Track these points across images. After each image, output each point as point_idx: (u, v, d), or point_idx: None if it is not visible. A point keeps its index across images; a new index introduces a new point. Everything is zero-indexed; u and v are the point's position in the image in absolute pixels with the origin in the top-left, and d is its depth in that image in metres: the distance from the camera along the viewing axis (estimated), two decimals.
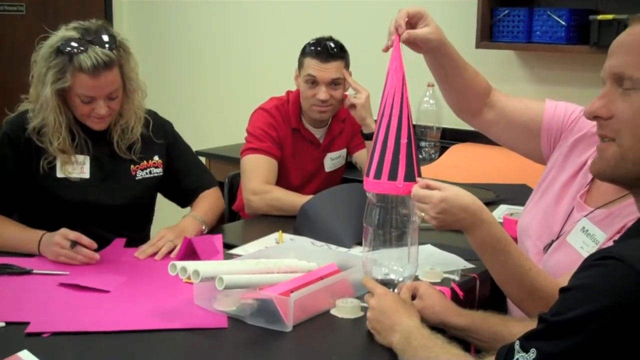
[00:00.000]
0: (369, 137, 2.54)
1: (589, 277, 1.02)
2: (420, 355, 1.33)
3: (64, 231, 1.93)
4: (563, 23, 2.82)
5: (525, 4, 2.96)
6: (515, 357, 1.05)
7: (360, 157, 2.76)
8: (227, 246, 2.04)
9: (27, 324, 1.53)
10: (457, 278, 1.82)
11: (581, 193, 1.65)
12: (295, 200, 2.37)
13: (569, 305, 1.01)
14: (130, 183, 2.15)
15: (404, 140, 1.54)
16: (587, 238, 1.56)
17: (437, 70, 1.81)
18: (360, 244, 1.82)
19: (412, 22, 1.68)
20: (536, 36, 2.91)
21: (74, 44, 1.94)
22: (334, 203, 2.19)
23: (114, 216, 2.13)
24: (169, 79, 4.31)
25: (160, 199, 2.34)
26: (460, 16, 3.12)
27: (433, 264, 1.87)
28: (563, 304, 1.03)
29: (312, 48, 2.57)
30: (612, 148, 1.15)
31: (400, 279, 1.62)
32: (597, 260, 1.03)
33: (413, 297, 1.57)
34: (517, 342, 1.07)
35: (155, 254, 1.99)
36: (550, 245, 1.66)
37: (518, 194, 2.49)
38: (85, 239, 1.92)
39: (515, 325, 1.44)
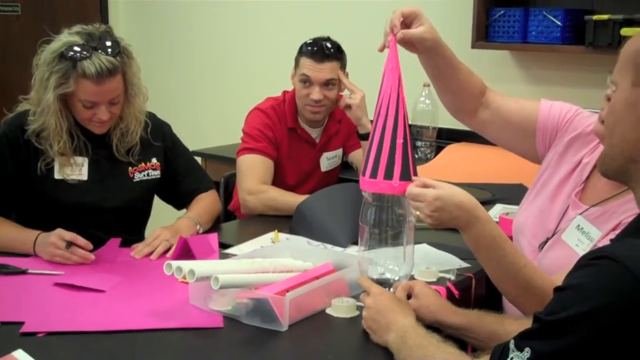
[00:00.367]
0: (364, 137, 2.54)
1: (583, 276, 1.03)
2: (415, 354, 1.33)
3: (60, 231, 1.92)
4: (558, 23, 2.82)
5: (521, 4, 2.96)
6: (510, 356, 1.06)
7: (356, 156, 2.76)
8: (223, 246, 2.04)
9: (22, 323, 1.53)
10: (452, 277, 1.82)
11: (576, 191, 1.65)
12: (291, 200, 2.37)
13: (563, 305, 1.02)
14: (128, 185, 2.15)
15: (399, 140, 1.54)
16: (582, 236, 1.57)
17: (432, 71, 1.82)
18: (356, 243, 1.82)
19: (407, 22, 1.68)
20: (532, 36, 2.91)
21: (77, 49, 1.93)
22: (330, 203, 2.19)
23: (110, 218, 2.13)
24: (167, 79, 4.30)
25: (157, 201, 2.33)
26: (455, 16, 3.12)
27: (429, 263, 1.87)
28: (557, 304, 1.04)
29: (308, 48, 2.57)
30: (603, 147, 1.24)
31: (396, 278, 1.63)
32: (592, 260, 1.03)
33: (409, 297, 1.57)
34: (512, 341, 1.07)
35: (150, 253, 1.99)
36: (545, 243, 1.66)
37: (514, 194, 2.49)
38: (80, 240, 1.92)
39: (511, 324, 1.44)
